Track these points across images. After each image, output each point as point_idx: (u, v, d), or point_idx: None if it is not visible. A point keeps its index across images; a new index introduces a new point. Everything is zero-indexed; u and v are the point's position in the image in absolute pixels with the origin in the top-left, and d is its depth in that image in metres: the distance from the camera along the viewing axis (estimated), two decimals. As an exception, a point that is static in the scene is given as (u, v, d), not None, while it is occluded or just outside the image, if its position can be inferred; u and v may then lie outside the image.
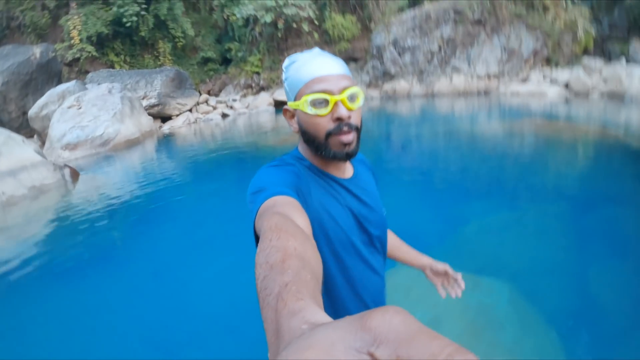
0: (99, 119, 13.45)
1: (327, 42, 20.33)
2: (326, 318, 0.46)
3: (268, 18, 19.62)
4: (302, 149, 1.37)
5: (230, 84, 21.60)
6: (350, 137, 1.23)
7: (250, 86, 21.24)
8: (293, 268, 0.63)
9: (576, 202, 6.17)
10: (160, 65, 20.83)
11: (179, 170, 10.52)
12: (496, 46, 17.63)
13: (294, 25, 19.95)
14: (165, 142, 14.59)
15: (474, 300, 3.81)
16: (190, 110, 18.61)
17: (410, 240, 5.03)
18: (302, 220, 0.94)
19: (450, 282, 1.85)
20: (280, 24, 19.88)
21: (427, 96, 17.80)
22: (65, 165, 10.00)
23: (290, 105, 1.29)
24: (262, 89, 21.04)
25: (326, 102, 1.20)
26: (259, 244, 0.75)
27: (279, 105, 19.29)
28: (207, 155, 11.83)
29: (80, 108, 13.62)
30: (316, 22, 20.07)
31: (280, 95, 19.53)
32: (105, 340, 3.96)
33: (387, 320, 0.34)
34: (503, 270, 4.35)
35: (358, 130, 1.27)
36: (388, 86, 19.00)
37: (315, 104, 1.20)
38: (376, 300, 1.43)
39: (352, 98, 1.23)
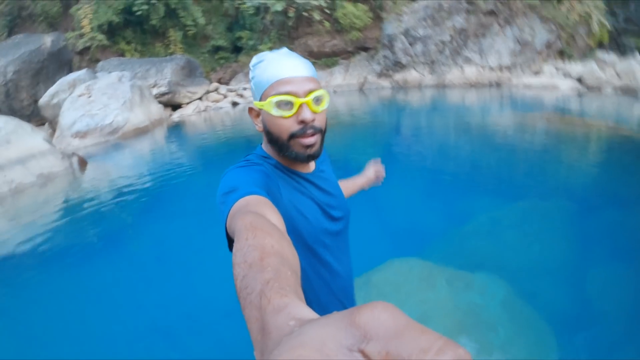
0: (108, 107, 13.53)
1: (339, 31, 20.19)
2: (312, 314, 0.46)
3: (279, 7, 19.50)
4: (267, 148, 1.39)
5: (240, 72, 21.54)
6: (312, 139, 1.26)
7: (261, 75, 21.11)
8: (272, 265, 0.63)
9: (583, 202, 6.03)
10: (171, 54, 20.81)
11: (188, 159, 10.56)
12: (509, 37, 17.37)
13: (305, 14, 19.80)
14: (175, 130, 14.63)
15: (465, 299, 3.78)
16: (200, 99, 18.61)
17: (407, 233, 4.96)
18: (275, 218, 0.95)
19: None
20: (291, 13, 19.76)
21: (438, 87, 17.63)
22: (74, 154, 10.06)
23: (256, 104, 1.30)
24: (272, 78, 20.83)
25: (291, 104, 1.22)
26: (235, 244, 0.75)
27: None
28: (216, 143, 11.86)
29: (90, 96, 13.71)
30: (327, 11, 19.89)
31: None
32: (108, 321, 4.06)
33: (376, 316, 0.34)
34: (501, 270, 4.26)
35: (322, 132, 1.30)
36: (399, 76, 18.82)
37: (280, 105, 1.22)
38: (344, 287, 1.49)
39: (317, 101, 1.26)
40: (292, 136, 1.25)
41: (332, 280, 1.41)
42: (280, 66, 1.23)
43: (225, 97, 19.31)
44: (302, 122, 1.23)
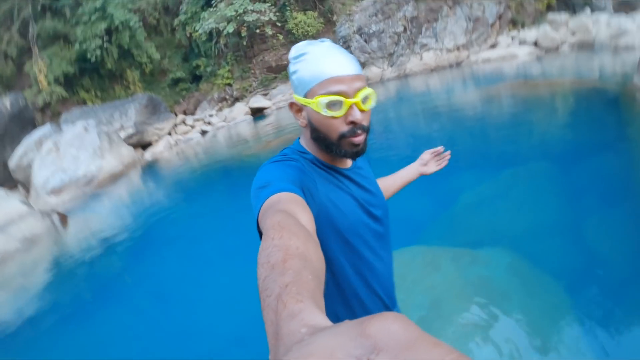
0: (79, 158, 13.38)
1: (293, 41, 20.17)
2: (325, 321, 0.46)
3: (230, 28, 19.51)
4: (306, 143, 1.37)
5: (204, 100, 21.49)
6: (361, 138, 1.24)
7: (224, 99, 21.12)
8: (294, 268, 0.62)
9: (563, 157, 6.11)
10: (132, 94, 20.64)
11: (168, 196, 10.48)
12: (460, 17, 17.59)
13: (257, 31, 19.84)
14: (150, 169, 14.52)
15: (472, 273, 3.76)
16: (169, 134, 18.51)
17: (402, 220, 4.97)
18: (305, 217, 0.93)
19: (441, 158, 2.05)
20: (244, 32, 19.78)
21: (400, 77, 17.74)
22: (53, 211, 9.93)
23: (299, 100, 1.26)
24: (236, 99, 20.90)
25: (341, 104, 1.19)
26: (261, 243, 0.75)
27: (255, 113, 19.21)
28: (193, 175, 11.80)
29: (59, 151, 13.53)
30: (278, 24, 19.99)
31: (256, 102, 19.36)
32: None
33: (387, 327, 0.34)
34: (500, 240, 4.27)
35: (368, 130, 1.28)
36: (360, 75, 18.78)
37: (330, 106, 1.19)
38: (385, 286, 1.45)
39: (365, 99, 1.23)
40: (342, 137, 1.23)
41: (372, 278, 1.38)
42: (328, 63, 1.19)
43: (193, 127, 19.25)
44: (352, 122, 1.21)
